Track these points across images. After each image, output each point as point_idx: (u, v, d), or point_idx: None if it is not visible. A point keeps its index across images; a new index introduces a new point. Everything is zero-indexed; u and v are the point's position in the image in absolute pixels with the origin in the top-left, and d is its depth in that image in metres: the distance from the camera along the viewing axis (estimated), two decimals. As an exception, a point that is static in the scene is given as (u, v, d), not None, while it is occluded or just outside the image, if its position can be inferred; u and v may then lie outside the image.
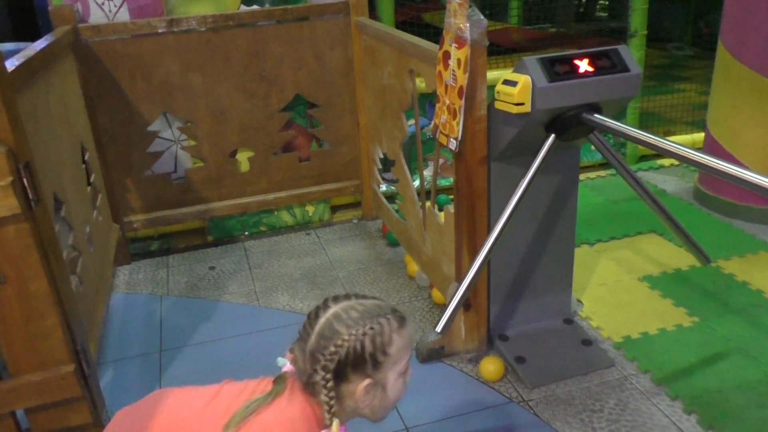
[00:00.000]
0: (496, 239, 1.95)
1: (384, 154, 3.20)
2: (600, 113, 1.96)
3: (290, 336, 2.55)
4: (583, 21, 7.31)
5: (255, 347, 2.53)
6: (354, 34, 3.22)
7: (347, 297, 1.29)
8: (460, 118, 2.06)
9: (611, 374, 2.25)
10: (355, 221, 3.56)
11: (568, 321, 2.49)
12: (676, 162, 3.98)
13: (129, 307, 2.87)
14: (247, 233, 3.46)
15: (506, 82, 1.95)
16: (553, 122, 1.98)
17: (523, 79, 1.89)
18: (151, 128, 3.15)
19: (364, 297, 1.29)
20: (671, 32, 7.52)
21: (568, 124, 1.96)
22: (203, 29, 3.05)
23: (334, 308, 1.26)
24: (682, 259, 2.93)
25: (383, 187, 3.45)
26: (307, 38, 3.20)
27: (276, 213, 3.48)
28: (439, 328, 1.92)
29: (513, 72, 1.97)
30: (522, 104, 1.90)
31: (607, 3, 8.26)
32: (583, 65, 1.94)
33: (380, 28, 2.94)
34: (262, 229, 3.49)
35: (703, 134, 4.13)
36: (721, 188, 3.36)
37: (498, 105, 1.99)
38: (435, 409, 2.15)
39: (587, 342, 2.38)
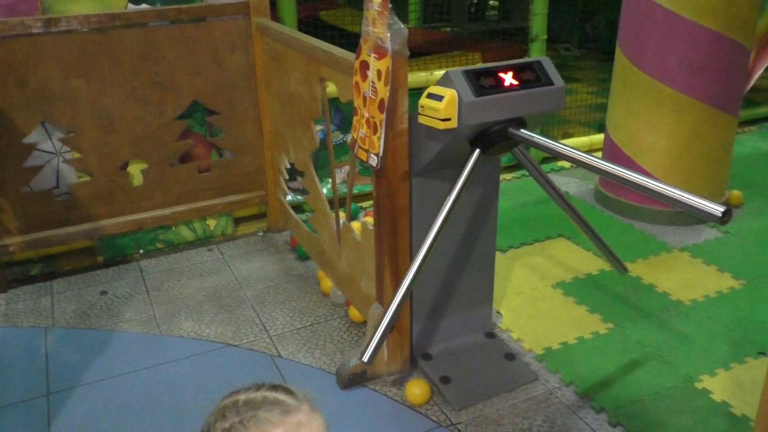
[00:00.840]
0: (424, 259, 1.85)
1: (291, 164, 3.04)
2: (525, 128, 1.91)
3: (198, 367, 2.38)
4: (476, 21, 7.40)
5: (158, 383, 2.30)
6: (255, 37, 3.03)
7: (247, 389, 1.08)
8: (381, 132, 1.95)
9: (536, 389, 2.23)
10: (261, 234, 3.37)
11: (490, 335, 2.44)
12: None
13: (7, 344, 2.54)
14: (142, 251, 3.19)
15: (431, 95, 1.86)
16: (478, 137, 1.91)
17: (449, 93, 1.80)
18: (27, 140, 2.81)
19: (272, 387, 1.07)
20: (559, 33, 7.78)
21: (494, 140, 1.90)
22: (86, 30, 2.75)
23: (223, 402, 1.07)
24: (591, 263, 2.97)
25: (289, 197, 3.29)
26: (204, 40, 2.98)
27: (174, 228, 3.23)
28: (365, 358, 1.81)
29: (437, 85, 1.88)
30: (449, 119, 1.82)
31: (497, 3, 8.43)
32: (508, 78, 1.88)
33: (285, 31, 2.77)
34: (159, 246, 3.22)
35: (599, 136, 4.28)
36: (622, 191, 3.46)
37: (422, 120, 1.89)
38: (361, 440, 2.03)
39: (510, 356, 2.35)
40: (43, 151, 2.88)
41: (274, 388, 1.07)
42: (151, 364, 2.40)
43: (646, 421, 2.07)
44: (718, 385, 2.20)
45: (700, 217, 3.29)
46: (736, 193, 3.56)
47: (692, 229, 3.29)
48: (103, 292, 2.88)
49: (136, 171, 3.05)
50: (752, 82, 4.25)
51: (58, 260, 3.10)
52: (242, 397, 1.06)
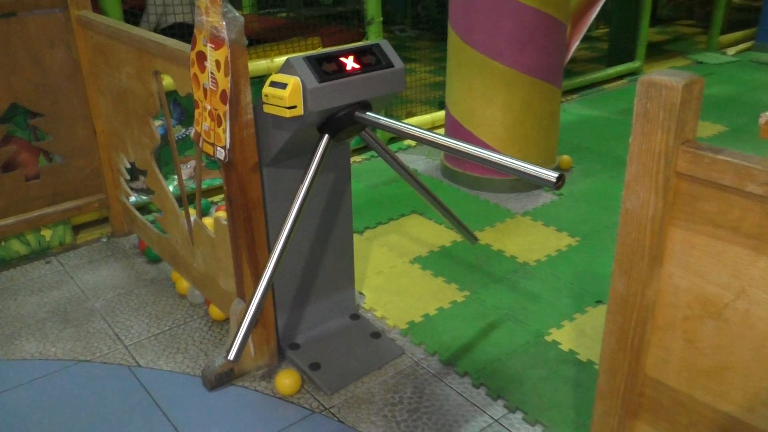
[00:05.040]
0: (282, 249, 1.83)
1: (131, 163, 2.87)
2: (370, 110, 1.94)
3: (47, 389, 2.20)
4: (311, 6, 7.37)
5: (3, 412, 2.10)
6: (77, 31, 2.81)
7: None
8: (226, 125, 1.89)
9: (403, 362, 2.30)
10: (105, 240, 3.16)
11: (355, 316, 2.48)
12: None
13: None
14: (-33, 272, 2.88)
15: (273, 84, 1.83)
16: (326, 123, 1.91)
17: (293, 81, 1.78)
18: None
19: None
20: (393, 15, 7.96)
21: (341, 124, 1.91)
22: None
23: None
24: (444, 236, 3.10)
25: (133, 199, 3.11)
26: (17, 37, 2.71)
27: (3, 244, 2.94)
28: (231, 356, 1.76)
29: (279, 73, 1.85)
30: (294, 107, 1.80)
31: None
32: (350, 62, 1.89)
33: (111, 24, 2.59)
34: (-12, 264, 2.93)
35: (440, 113, 4.45)
36: (466, 164, 3.63)
37: (267, 109, 1.86)
38: (236, 440, 1.99)
39: (376, 334, 2.40)
40: None
41: None
42: (-7, 394, 2.19)
43: (505, 378, 2.21)
44: (564, 336, 2.40)
45: (537, 184, 3.55)
46: (566, 158, 3.86)
47: (531, 195, 3.53)
48: (-75, 323, 2.58)
49: (-50, 184, 2.74)
50: (570, 55, 4.62)
51: None
52: None
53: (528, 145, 3.51)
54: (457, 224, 2.37)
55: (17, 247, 2.99)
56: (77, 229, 3.20)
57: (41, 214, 2.97)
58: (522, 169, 1.54)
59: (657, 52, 6.72)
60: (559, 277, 2.76)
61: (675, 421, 1.35)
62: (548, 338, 2.39)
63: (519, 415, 2.05)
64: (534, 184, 3.52)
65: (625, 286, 1.34)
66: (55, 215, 3.01)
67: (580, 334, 2.41)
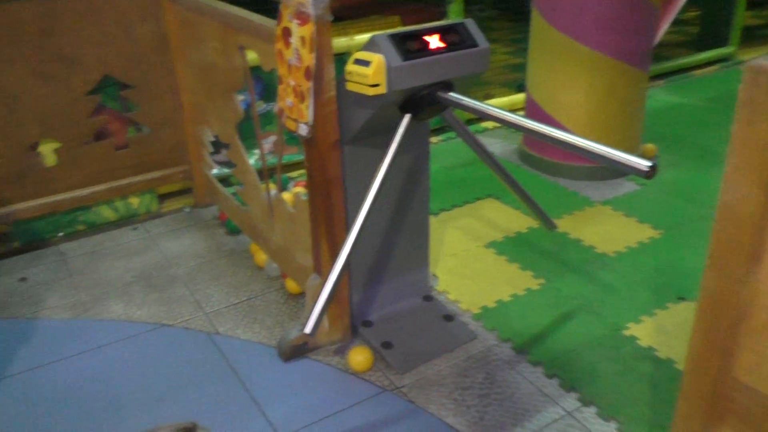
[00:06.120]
0: (361, 228, 1.84)
1: (215, 136, 2.95)
2: (452, 90, 1.91)
3: (132, 350, 2.31)
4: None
5: (88, 369, 2.22)
6: (165, 5, 2.89)
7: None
8: (310, 101, 1.91)
9: (475, 347, 2.28)
10: (187, 210, 3.27)
11: (428, 298, 2.48)
12: (499, 124, 4.14)
13: None
14: (61, 234, 3.04)
15: (357, 61, 1.83)
16: (408, 102, 1.90)
17: (377, 59, 1.78)
18: (-77, 122, 2.61)
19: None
20: (473, -6, 7.81)
21: (423, 104, 1.89)
22: (-20, 1, 2.55)
23: None
24: (520, 221, 3.05)
25: (215, 171, 3.19)
26: (110, 10, 2.81)
27: (94, 209, 3.09)
28: (308, 329, 1.79)
29: (363, 50, 1.85)
30: (377, 85, 1.79)
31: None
32: (434, 41, 1.87)
33: (199, -2, 2.65)
34: (80, 228, 3.08)
35: (518, 96, 4.36)
36: (545, 149, 3.55)
37: (350, 86, 1.86)
38: (307, 411, 2.03)
39: (448, 317, 2.39)
40: (-58, 134, 2.68)
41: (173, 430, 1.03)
42: (80, 350, 2.31)
43: (579, 370, 2.16)
44: (643, 331, 2.32)
45: (625, 172, 3.43)
46: (650, 146, 3.72)
47: (611, 183, 3.41)
48: (22, 279, 2.74)
49: (48, 151, 2.88)
50: (659, 38, 4.41)
51: (-32, 249, 2.92)
52: None
53: (610, 132, 3.39)
54: (536, 209, 2.32)
55: (107, 212, 3.13)
56: (162, 198, 3.32)
57: (129, 182, 3.10)
58: (612, 156, 1.49)
59: (752, 37, 6.34)
60: (640, 269, 2.67)
61: (765, 430, 1.28)
62: (625, 332, 2.32)
63: (593, 410, 2.00)
64: (615, 172, 3.41)
65: (717, 285, 1.27)
66: (141, 184, 3.13)
67: (659, 331, 2.33)
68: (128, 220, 3.18)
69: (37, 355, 2.29)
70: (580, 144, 1.58)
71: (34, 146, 2.85)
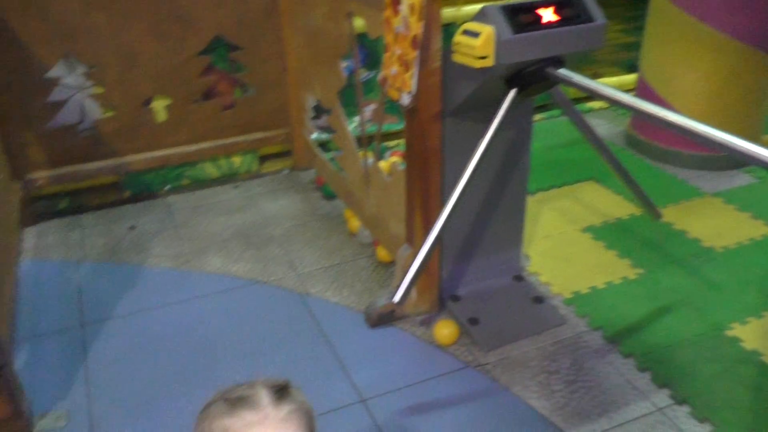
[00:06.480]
0: (457, 202, 1.82)
1: (317, 101, 2.98)
2: (563, 66, 1.84)
3: (227, 303, 2.40)
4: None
5: (187, 316, 2.34)
6: (279, -31, 2.93)
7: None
8: (415, 70, 1.89)
9: (564, 332, 2.23)
10: (286, 172, 3.35)
11: (519, 278, 2.43)
12: (605, 105, 3.97)
13: (41, 276, 2.59)
14: (168, 187, 3.19)
15: (466, 32, 1.79)
16: (515, 76, 1.84)
17: (487, 30, 1.73)
18: (50, 74, 2.78)
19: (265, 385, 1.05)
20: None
21: (530, 79, 1.83)
22: (108, -40, 2.68)
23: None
24: (621, 207, 2.92)
25: (315, 135, 3.25)
26: (226, -28, 2.89)
27: (199, 165, 3.22)
28: (396, 299, 1.80)
29: (473, 21, 1.80)
30: (485, 57, 1.75)
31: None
32: (547, 15, 1.80)
33: (312, -37, 2.67)
34: (185, 182, 3.22)
35: (628, 76, 4.15)
36: (653, 133, 3.37)
37: (457, 58, 1.82)
38: (390, 378, 2.05)
39: (538, 299, 2.34)
40: (67, 85, 2.85)
41: (268, 386, 1.05)
42: (182, 298, 2.43)
43: (674, 367, 2.06)
44: (748, 334, 2.18)
45: (736, 162, 3.22)
46: (771, 138, 3.47)
47: (724, 174, 3.21)
48: (132, 227, 2.90)
49: (160, 107, 3.02)
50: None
51: (85, 195, 3.11)
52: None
53: (730, 120, 3.17)
54: (641, 196, 2.22)
55: (210, 170, 3.25)
56: (263, 159, 3.41)
57: (233, 141, 3.20)
58: (746, 150, 1.36)
59: None
60: (749, 268, 2.51)
61: None
62: (728, 333, 2.19)
63: (686, 409, 1.91)
64: (730, 162, 3.19)
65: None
66: (244, 144, 3.23)
67: (767, 334, 2.18)
68: (230, 178, 3.29)
69: (141, 300, 2.43)
70: (706, 133, 1.46)
71: (147, 102, 2.99)
